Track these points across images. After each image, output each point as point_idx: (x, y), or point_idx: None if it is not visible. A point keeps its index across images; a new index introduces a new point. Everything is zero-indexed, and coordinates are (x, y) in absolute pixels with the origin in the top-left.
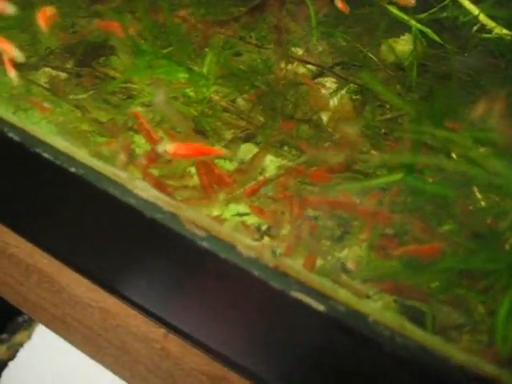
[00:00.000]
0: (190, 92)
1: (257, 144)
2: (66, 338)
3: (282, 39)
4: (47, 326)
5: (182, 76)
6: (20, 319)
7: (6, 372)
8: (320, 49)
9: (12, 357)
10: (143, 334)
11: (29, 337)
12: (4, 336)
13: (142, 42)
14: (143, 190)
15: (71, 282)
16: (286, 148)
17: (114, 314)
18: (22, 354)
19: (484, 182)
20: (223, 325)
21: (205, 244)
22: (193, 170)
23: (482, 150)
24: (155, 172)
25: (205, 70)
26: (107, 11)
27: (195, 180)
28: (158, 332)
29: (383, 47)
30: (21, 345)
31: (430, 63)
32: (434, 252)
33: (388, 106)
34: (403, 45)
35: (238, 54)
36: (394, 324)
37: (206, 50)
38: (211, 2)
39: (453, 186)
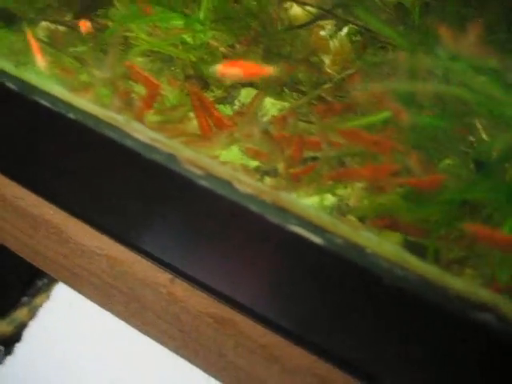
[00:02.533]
0: (187, 38)
1: (257, 88)
2: (76, 289)
3: None
4: (58, 277)
5: (178, 22)
6: (39, 283)
7: (27, 331)
8: None
9: (33, 318)
10: (150, 279)
11: (48, 298)
12: (25, 299)
13: None
14: (140, 132)
15: (78, 232)
16: (286, 91)
17: (121, 260)
18: (42, 314)
19: (485, 111)
20: (226, 265)
21: (204, 183)
22: (192, 114)
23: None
24: (155, 117)
25: (201, 15)
26: None
27: (194, 124)
28: (164, 277)
29: None
30: (41, 306)
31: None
32: (435, 183)
33: (391, 47)
34: None
35: None
36: (394, 256)
37: None
38: None
39: (453, 117)
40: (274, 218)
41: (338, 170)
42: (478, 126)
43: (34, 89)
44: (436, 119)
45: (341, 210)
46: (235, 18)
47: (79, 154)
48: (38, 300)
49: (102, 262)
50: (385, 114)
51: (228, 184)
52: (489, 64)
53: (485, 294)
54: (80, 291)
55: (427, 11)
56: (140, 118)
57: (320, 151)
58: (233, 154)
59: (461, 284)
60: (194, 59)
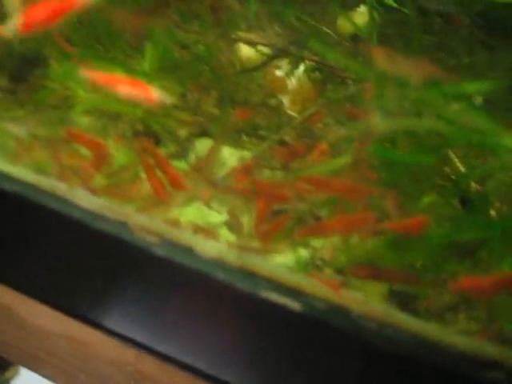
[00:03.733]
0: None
1: (214, 138)
2: (38, 372)
3: (221, 21)
4: (17, 361)
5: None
6: None
7: None
8: (269, 29)
9: None
10: (115, 358)
11: (17, 373)
12: None
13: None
14: (86, 200)
15: (32, 313)
16: (244, 138)
17: (82, 340)
18: None
19: (462, 141)
20: (195, 337)
21: (160, 251)
22: (143, 174)
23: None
24: (103, 181)
25: (146, 66)
26: None
27: (147, 186)
28: (129, 354)
29: (339, 21)
30: (11, 380)
31: (389, 30)
32: (419, 226)
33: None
34: (360, 17)
35: (181, 44)
36: (381, 315)
37: (145, 43)
38: None
39: (428, 152)
40: (243, 285)
41: (308, 226)
42: (455, 158)
43: None
44: (412, 156)
45: (316, 265)
46: (182, 66)
47: (26, 229)
48: (7, 374)
49: (61, 343)
50: (347, 158)
51: (188, 250)
52: (459, 89)
53: (489, 349)
54: (42, 374)
55: (385, 41)
56: (86, 184)
57: (288, 203)
58: (193, 212)
59: (460, 340)
60: (141, 114)
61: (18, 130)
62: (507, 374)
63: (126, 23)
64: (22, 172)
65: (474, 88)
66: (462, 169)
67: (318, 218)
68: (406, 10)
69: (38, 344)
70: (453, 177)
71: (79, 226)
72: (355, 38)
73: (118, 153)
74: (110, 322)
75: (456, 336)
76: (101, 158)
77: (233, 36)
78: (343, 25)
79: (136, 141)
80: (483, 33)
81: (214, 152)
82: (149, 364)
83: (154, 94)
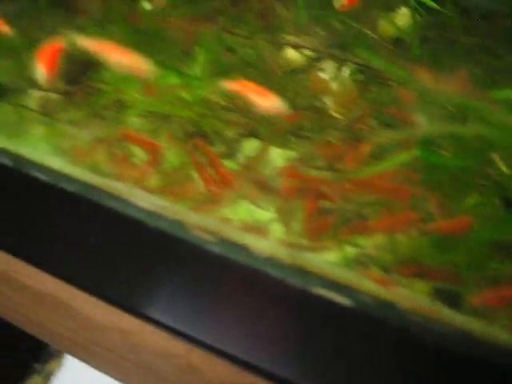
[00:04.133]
0: (185, 95)
1: (260, 139)
2: (89, 363)
3: (271, 26)
4: (69, 352)
5: (174, 80)
6: (51, 348)
7: None
8: (315, 32)
9: None
10: (166, 350)
11: (60, 365)
12: (37, 366)
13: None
14: (144, 200)
15: (86, 305)
16: (292, 139)
17: (134, 332)
18: (55, 381)
19: (507, 144)
20: (247, 331)
21: (215, 248)
22: (195, 174)
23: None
24: (157, 180)
25: (197, 71)
26: (89, 24)
27: (200, 184)
28: (180, 347)
29: (381, 23)
30: (54, 373)
31: (431, 33)
32: (463, 226)
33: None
34: (401, 19)
35: (230, 49)
36: (428, 311)
37: (196, 48)
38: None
39: (472, 155)
40: (294, 281)
41: (355, 225)
42: (498, 160)
43: (29, 162)
44: (456, 159)
45: (362, 262)
46: (232, 70)
47: (83, 226)
48: (50, 366)
49: (113, 335)
50: (402, 157)
51: (241, 248)
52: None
53: None
54: (93, 365)
55: (427, 44)
56: (142, 183)
57: (335, 202)
58: (243, 210)
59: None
60: (193, 116)
61: (75, 131)
62: None
63: (179, 30)
64: (80, 172)
65: None
66: (505, 170)
67: (364, 217)
68: (446, 11)
69: (91, 336)
70: (496, 177)
71: (137, 225)
72: (398, 40)
73: (171, 153)
74: (164, 317)
75: (498, 331)
76: (156, 158)
77: (280, 40)
78: (385, 27)
79: (188, 141)
80: None
81: (262, 152)
82: (199, 358)
83: (275, 101)
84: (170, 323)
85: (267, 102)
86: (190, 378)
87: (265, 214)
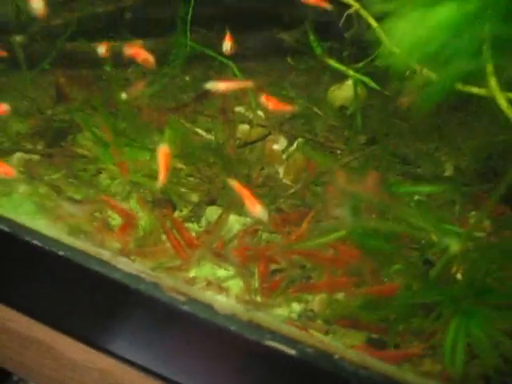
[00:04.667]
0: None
1: (220, 206)
2: None
3: (229, 117)
4: None
5: (145, 156)
6: (15, 377)
7: None
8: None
9: None
10: None
11: None
12: None
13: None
14: (125, 265)
15: (68, 348)
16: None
17: (112, 372)
18: None
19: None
20: (211, 377)
21: (186, 307)
22: (163, 236)
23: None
24: (131, 243)
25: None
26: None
27: (167, 245)
28: None
29: (329, 95)
30: None
31: (371, 108)
32: (391, 290)
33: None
34: (347, 90)
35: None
36: (358, 359)
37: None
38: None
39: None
40: (251, 335)
41: (301, 285)
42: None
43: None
44: (380, 244)
45: (308, 316)
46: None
47: (68, 282)
48: None
49: (94, 374)
50: (340, 234)
51: (209, 307)
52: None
53: None
54: None
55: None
56: (120, 247)
57: (283, 266)
58: (206, 270)
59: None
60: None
61: (56, 195)
62: None
63: (151, 117)
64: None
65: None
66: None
67: (309, 278)
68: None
69: (73, 375)
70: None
71: (119, 287)
72: (343, 108)
73: (143, 220)
74: (139, 359)
75: (419, 377)
76: (130, 225)
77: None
78: (332, 98)
79: (156, 207)
80: None
81: (223, 218)
82: None
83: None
84: (145, 364)
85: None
86: None
87: (225, 272)
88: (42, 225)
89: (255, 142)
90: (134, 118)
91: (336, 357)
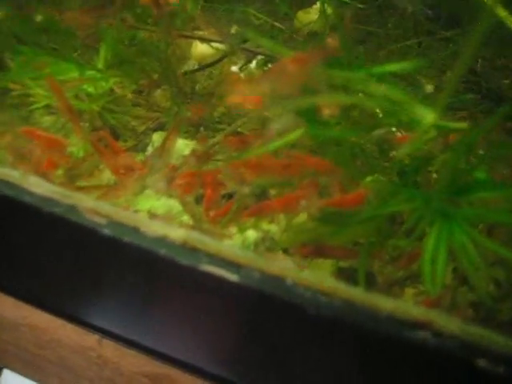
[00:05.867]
0: (88, 88)
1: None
2: (7, 366)
3: (166, 16)
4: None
5: (75, 73)
6: None
7: None
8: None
9: None
10: (77, 344)
11: None
12: None
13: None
14: (38, 186)
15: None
16: (202, 129)
17: (44, 328)
18: None
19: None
20: (150, 318)
21: (108, 231)
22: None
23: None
24: (60, 172)
25: (100, 63)
26: None
27: (106, 176)
28: (91, 339)
29: (296, 19)
30: None
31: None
32: (357, 200)
33: None
34: (315, 14)
35: (132, 40)
36: (317, 285)
37: (93, 40)
38: None
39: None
40: (185, 260)
41: (252, 207)
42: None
43: None
44: (343, 131)
45: (266, 246)
46: (133, 62)
47: None
48: None
49: (25, 332)
50: (291, 136)
51: (133, 230)
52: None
53: (418, 312)
54: (11, 368)
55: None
56: (47, 176)
57: (231, 188)
58: (149, 201)
59: (391, 304)
60: (97, 109)
61: None
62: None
63: (74, 22)
64: None
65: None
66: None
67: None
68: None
69: (4, 336)
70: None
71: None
72: (312, 33)
73: (77, 147)
74: (71, 309)
75: (386, 301)
76: (61, 154)
77: (187, 33)
78: (299, 23)
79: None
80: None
81: (169, 141)
82: (111, 349)
83: None
84: (79, 315)
85: None
86: (103, 371)
87: (169, 202)
88: None
89: (212, 64)
90: (56, 24)
91: (289, 281)
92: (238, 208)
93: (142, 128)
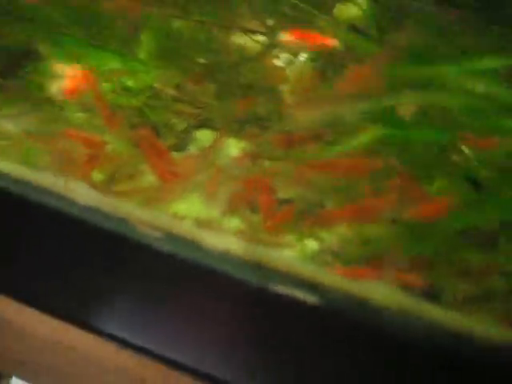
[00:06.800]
0: (128, 82)
1: (214, 129)
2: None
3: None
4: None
5: (116, 65)
6: None
7: None
8: (269, 19)
9: None
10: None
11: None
12: None
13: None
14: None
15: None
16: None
17: (82, 348)
18: None
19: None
20: (200, 338)
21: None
22: (144, 166)
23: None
24: (99, 176)
25: (142, 55)
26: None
27: (149, 178)
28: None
29: (335, 11)
30: None
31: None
32: (440, 211)
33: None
34: (352, 7)
35: (179, 32)
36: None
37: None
38: None
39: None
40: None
41: (315, 215)
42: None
43: None
44: (423, 132)
45: (324, 258)
46: (181, 54)
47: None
48: None
49: (62, 352)
50: (364, 137)
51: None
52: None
53: None
54: None
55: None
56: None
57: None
58: (195, 206)
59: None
60: (137, 104)
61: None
62: None
63: (122, 10)
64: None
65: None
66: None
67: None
68: None
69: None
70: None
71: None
72: (352, 27)
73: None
74: (109, 327)
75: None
76: (98, 156)
77: (231, 25)
78: (339, 15)
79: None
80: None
81: (218, 142)
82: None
83: None
84: (118, 333)
85: None
86: None
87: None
88: None
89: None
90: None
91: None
92: (298, 215)
93: (182, 125)
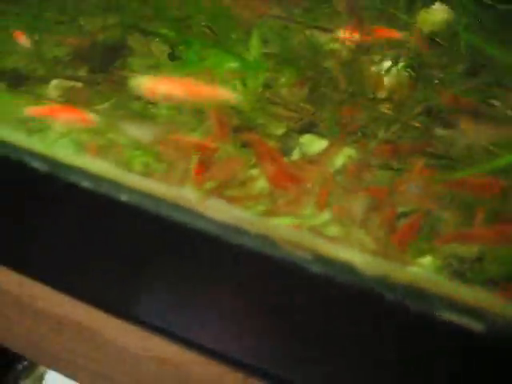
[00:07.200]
0: (237, 83)
1: (319, 134)
2: None
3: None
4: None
5: (232, 65)
6: (20, 366)
7: None
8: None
9: None
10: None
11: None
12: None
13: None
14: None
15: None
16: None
17: (176, 362)
18: None
19: None
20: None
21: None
22: (254, 172)
23: None
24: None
25: (254, 53)
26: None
27: (260, 184)
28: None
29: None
30: None
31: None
32: None
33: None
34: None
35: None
36: None
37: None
38: None
39: None
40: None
41: (452, 232)
42: None
43: (57, 165)
44: None
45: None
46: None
47: (131, 242)
48: (40, 369)
49: (150, 364)
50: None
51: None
52: None
53: None
54: None
55: None
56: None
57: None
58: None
59: None
60: (248, 107)
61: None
62: None
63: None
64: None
65: None
66: None
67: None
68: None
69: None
70: None
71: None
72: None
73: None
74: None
75: None
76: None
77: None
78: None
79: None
80: None
81: (334, 149)
82: None
83: None
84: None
85: None
86: None
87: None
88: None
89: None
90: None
91: None
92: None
93: (281, 129)
